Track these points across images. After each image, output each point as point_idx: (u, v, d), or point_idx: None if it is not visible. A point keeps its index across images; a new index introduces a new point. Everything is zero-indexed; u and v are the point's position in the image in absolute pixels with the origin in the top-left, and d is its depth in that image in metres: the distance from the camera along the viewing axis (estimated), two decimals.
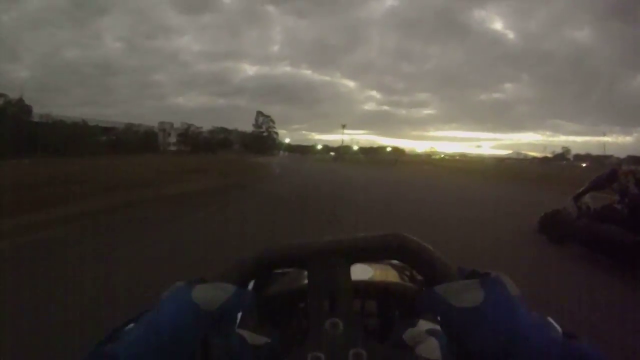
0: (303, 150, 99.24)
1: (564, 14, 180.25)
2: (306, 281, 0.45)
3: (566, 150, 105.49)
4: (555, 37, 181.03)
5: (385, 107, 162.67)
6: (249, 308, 0.43)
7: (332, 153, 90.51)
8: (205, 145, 62.47)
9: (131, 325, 0.39)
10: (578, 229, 4.70)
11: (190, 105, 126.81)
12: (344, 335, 0.39)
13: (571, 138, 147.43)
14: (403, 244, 0.44)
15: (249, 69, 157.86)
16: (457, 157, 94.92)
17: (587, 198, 5.08)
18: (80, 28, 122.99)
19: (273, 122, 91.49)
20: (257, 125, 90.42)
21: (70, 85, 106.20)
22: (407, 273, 0.81)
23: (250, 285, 0.56)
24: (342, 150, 70.56)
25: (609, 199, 4.95)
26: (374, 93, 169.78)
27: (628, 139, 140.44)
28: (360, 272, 0.71)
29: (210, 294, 0.39)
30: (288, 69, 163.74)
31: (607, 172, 5.03)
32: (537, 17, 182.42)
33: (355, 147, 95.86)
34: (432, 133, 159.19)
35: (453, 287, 0.39)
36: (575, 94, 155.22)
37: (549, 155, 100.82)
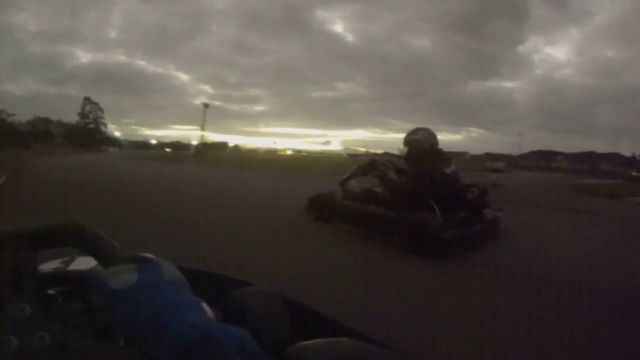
0: (137, 146, 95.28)
1: (406, 23, 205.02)
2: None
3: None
4: (394, 43, 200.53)
5: (217, 102, 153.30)
6: None
7: (167, 149, 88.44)
8: (18, 138, 57.07)
9: None
10: (341, 209, 5.54)
11: (20, 94, 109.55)
12: (30, 319, 0.40)
13: (400, 135, 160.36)
14: (78, 231, 0.47)
15: (83, 56, 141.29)
16: (304, 153, 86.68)
17: (352, 183, 5.91)
18: None
19: (102, 111, 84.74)
20: (83, 114, 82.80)
21: None
22: None
23: None
24: (196, 148, 61.29)
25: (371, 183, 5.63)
26: (206, 87, 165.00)
27: (457, 137, 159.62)
28: (86, 262, 0.70)
29: None
30: (122, 57, 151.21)
31: (368, 161, 5.92)
32: (378, 23, 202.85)
33: (194, 142, 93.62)
34: (263, 129, 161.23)
35: (114, 270, 0.42)
36: (408, 95, 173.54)
37: (399, 152, 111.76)
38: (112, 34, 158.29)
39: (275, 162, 31.65)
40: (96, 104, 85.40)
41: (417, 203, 4.54)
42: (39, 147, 54.85)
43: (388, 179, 5.18)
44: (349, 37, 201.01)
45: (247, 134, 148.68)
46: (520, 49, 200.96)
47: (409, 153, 5.23)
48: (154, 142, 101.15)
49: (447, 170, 4.85)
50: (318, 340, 0.51)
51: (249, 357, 0.35)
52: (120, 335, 0.41)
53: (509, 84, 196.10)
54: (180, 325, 0.36)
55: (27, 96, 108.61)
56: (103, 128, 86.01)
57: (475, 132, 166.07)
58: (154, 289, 0.40)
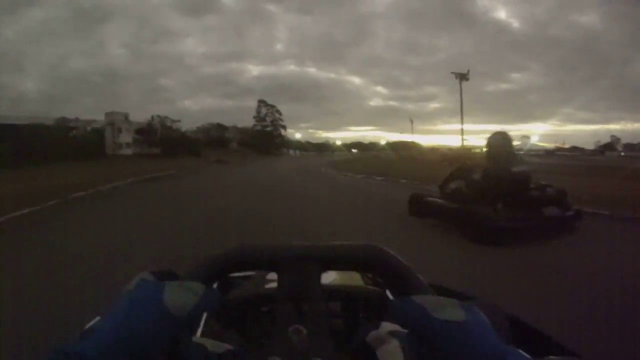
0: (318, 148, 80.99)
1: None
2: (270, 285, 0.44)
3: (615, 140, 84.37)
4: (560, 23, 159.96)
5: (392, 102, 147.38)
6: (216, 310, 0.42)
7: (354, 150, 72.67)
8: (183, 145, 43.59)
9: (98, 321, 0.38)
10: (427, 205, 6.18)
11: (197, 108, 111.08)
12: (306, 343, 0.38)
13: (580, 127, 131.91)
14: (379, 256, 0.44)
15: (254, 69, 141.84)
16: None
17: (452, 184, 6.08)
18: (84, 37, 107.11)
19: (279, 113, 72.27)
20: (259, 117, 71.07)
21: (78, 94, 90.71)
22: (370, 276, 0.78)
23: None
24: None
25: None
26: (380, 88, 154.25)
27: (636, 125, 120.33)
28: (324, 275, 0.66)
29: (181, 296, 0.38)
30: (293, 67, 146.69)
31: (458, 167, 6.69)
32: (540, 4, 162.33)
33: (383, 142, 76.01)
34: (440, 127, 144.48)
35: (432, 299, 0.39)
36: (585, 80, 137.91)
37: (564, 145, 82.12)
38: (279, 47, 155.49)
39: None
40: (272, 106, 72.33)
41: (486, 199, 5.08)
42: (210, 154, 41.75)
43: (469, 178, 5.80)
44: (514, 23, 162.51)
45: (423, 132, 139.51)
46: None
47: (487, 154, 5.83)
48: (338, 142, 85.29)
49: (515, 170, 5.35)
50: (548, 357, 0.48)
51: None
52: None
53: None
54: None
55: (203, 109, 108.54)
56: (282, 131, 72.93)
57: None
58: (485, 328, 0.38)
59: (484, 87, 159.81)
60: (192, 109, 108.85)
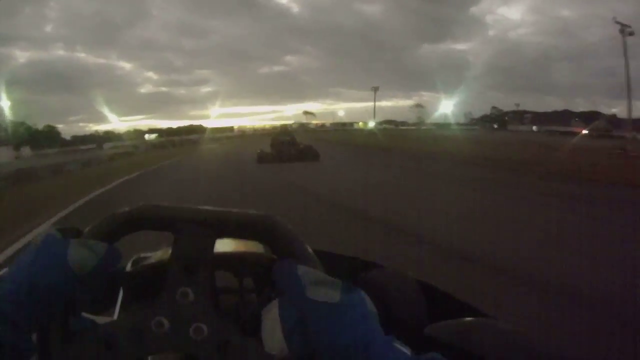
0: (62, 143, 46.50)
1: None
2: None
3: (469, 114, 72.85)
4: (343, 11, 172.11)
5: (163, 88, 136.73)
6: (115, 268, 0.44)
7: (150, 136, 42.06)
8: None
9: (5, 271, 0.39)
10: (266, 153, 18.09)
11: None
12: (191, 307, 0.39)
13: (350, 104, 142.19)
14: (272, 226, 0.44)
15: (21, 55, 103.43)
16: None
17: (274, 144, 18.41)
18: None
19: None
20: None
21: None
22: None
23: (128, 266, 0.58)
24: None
25: None
26: (150, 74, 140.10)
27: (408, 102, 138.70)
28: (224, 244, 0.68)
29: (84, 255, 0.39)
30: (62, 52, 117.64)
31: (272, 138, 20.06)
32: None
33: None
34: (212, 111, 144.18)
35: (314, 274, 0.39)
36: (361, 63, 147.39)
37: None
38: (48, 28, 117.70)
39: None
40: None
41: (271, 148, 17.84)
42: None
43: (274, 141, 18.70)
44: (295, 8, 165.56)
45: (195, 117, 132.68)
46: (474, 9, 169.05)
47: (276, 132, 23.92)
48: (123, 130, 55.44)
49: (282, 139, 17.76)
50: (461, 319, 0.49)
51: None
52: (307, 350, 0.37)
53: (462, 46, 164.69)
54: (395, 357, 0.34)
55: None
56: None
57: (426, 95, 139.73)
58: (359, 314, 0.36)
59: (258, 70, 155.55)
60: None
